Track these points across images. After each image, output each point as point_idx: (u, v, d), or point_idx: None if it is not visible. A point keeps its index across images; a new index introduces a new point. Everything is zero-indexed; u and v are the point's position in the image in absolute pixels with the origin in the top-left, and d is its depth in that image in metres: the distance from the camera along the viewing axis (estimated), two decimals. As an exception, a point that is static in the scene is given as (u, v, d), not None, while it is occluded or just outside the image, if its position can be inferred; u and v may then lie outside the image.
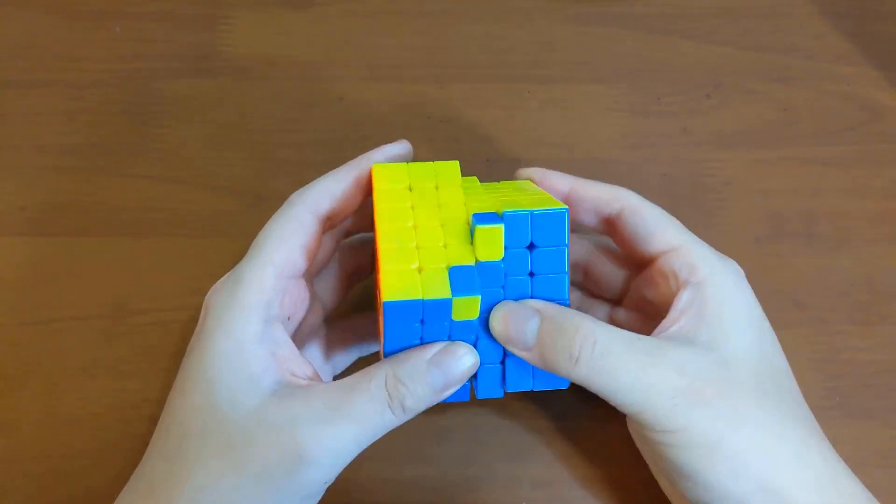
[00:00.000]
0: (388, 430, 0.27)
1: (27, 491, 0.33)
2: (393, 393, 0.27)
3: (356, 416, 0.26)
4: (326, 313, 0.34)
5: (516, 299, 0.28)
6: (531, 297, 0.28)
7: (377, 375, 0.27)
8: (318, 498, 0.29)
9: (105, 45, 0.46)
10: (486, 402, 0.35)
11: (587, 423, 0.34)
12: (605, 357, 0.26)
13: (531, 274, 0.28)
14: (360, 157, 0.30)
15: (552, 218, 0.27)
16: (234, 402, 0.26)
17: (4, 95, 0.44)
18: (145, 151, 0.42)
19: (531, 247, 0.28)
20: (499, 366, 0.29)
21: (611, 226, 0.31)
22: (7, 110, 0.44)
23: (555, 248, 0.28)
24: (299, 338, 0.32)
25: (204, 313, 0.29)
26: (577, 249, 0.34)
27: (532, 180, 0.32)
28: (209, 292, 0.29)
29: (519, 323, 0.27)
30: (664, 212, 0.31)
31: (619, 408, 0.27)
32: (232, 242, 0.39)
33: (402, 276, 0.26)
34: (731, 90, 0.45)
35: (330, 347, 0.34)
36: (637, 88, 0.45)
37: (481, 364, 0.29)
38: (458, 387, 0.28)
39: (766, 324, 0.30)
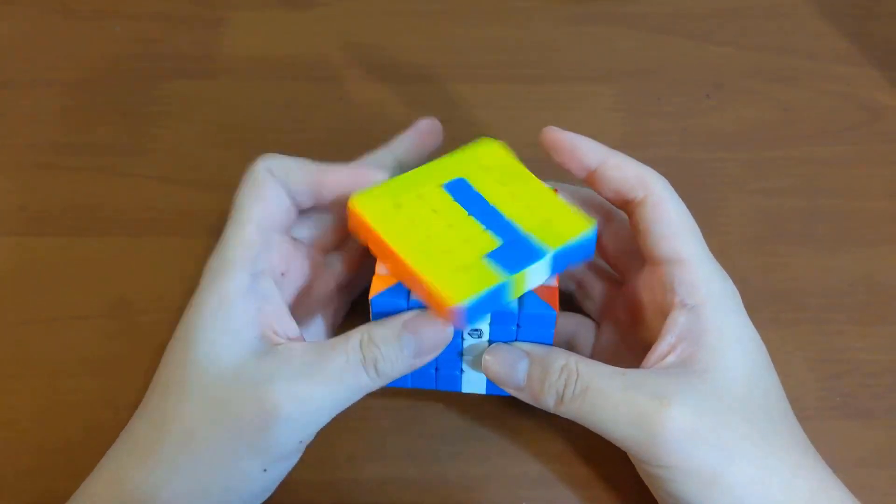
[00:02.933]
0: (364, 392, 0.28)
1: (27, 487, 0.33)
2: (367, 354, 0.27)
3: (331, 374, 0.27)
4: (341, 284, 0.34)
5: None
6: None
7: (353, 336, 0.27)
8: (296, 459, 0.29)
9: (105, 45, 0.46)
10: (485, 402, 0.35)
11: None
12: (587, 394, 0.27)
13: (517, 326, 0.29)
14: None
15: (540, 318, 0.28)
16: (214, 356, 0.27)
17: (4, 95, 0.44)
18: (145, 151, 0.42)
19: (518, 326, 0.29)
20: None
21: (629, 208, 0.31)
22: (7, 110, 0.44)
23: (541, 333, 0.29)
24: (307, 305, 0.32)
25: (200, 284, 0.29)
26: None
27: (556, 147, 0.31)
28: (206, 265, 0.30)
29: (510, 365, 0.28)
30: (684, 211, 0.30)
31: (614, 443, 0.28)
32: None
33: (453, 277, 0.26)
34: (731, 90, 0.45)
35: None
36: (637, 88, 0.45)
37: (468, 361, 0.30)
38: (429, 356, 0.28)
39: (761, 345, 0.30)
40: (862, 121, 0.44)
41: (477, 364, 0.30)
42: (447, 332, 0.28)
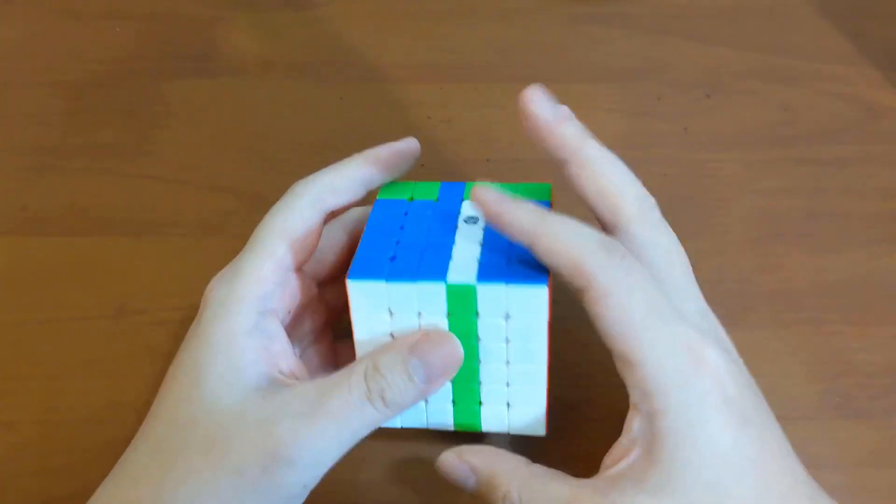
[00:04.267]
0: (372, 427, 0.26)
1: (27, 489, 0.33)
2: (372, 385, 0.26)
3: (335, 412, 0.25)
4: (335, 315, 0.34)
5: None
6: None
7: (357, 368, 0.26)
8: (300, 502, 0.28)
9: (105, 45, 0.46)
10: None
11: (586, 422, 0.34)
12: None
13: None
14: (367, 151, 0.30)
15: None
16: (218, 395, 0.26)
17: (5, 95, 0.44)
18: (145, 152, 0.42)
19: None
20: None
21: (577, 294, 0.26)
22: (7, 110, 0.44)
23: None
24: (302, 337, 0.32)
25: (203, 305, 0.29)
26: None
27: (484, 215, 0.27)
28: (210, 283, 0.29)
29: (462, 479, 0.27)
30: (635, 297, 0.25)
31: None
32: (232, 242, 0.39)
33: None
34: (730, 90, 0.45)
35: (336, 363, 0.33)
36: (637, 88, 0.45)
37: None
38: (441, 381, 0.27)
39: (737, 451, 0.24)
40: (862, 121, 0.44)
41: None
42: (458, 354, 0.27)
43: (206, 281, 0.38)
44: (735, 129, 0.43)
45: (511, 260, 0.27)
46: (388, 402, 0.26)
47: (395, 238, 0.28)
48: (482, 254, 0.27)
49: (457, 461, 0.27)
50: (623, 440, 0.25)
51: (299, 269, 0.30)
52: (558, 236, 0.25)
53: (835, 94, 0.45)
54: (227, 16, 0.47)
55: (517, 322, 0.27)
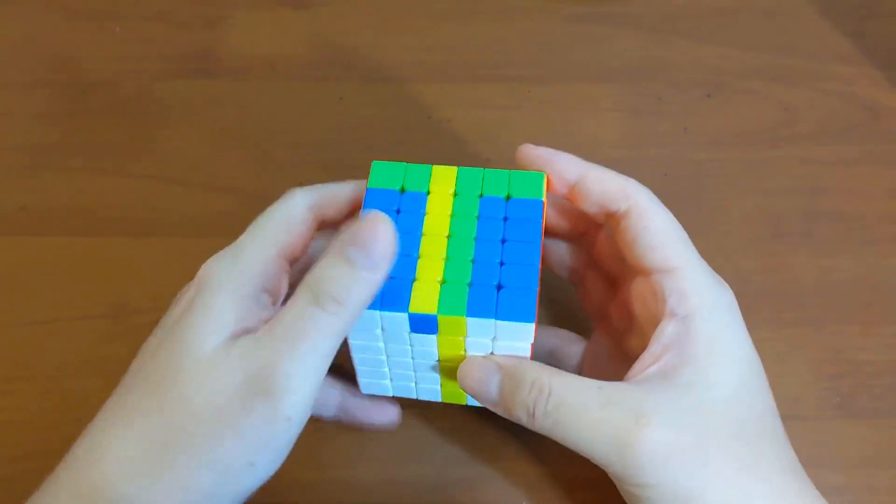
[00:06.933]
0: (336, 336, 0.26)
1: (26, 488, 0.33)
2: (316, 288, 0.25)
3: (290, 330, 0.25)
4: None
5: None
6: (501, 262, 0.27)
7: (302, 284, 0.26)
8: (289, 436, 0.27)
9: (105, 45, 0.46)
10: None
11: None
12: (559, 411, 0.26)
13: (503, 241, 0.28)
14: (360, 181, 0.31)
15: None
16: (199, 344, 0.26)
17: (5, 95, 0.44)
18: (145, 151, 0.42)
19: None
20: None
21: (614, 221, 0.30)
22: (7, 110, 0.44)
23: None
24: None
25: (200, 279, 0.28)
26: (573, 262, 0.34)
27: (534, 165, 0.30)
28: (206, 264, 0.29)
29: (484, 380, 0.28)
30: (671, 220, 0.29)
31: (590, 460, 0.27)
32: (232, 242, 0.39)
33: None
34: (731, 90, 0.45)
35: None
36: (637, 88, 0.45)
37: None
38: (384, 264, 0.25)
39: (756, 360, 0.28)
40: (862, 121, 0.44)
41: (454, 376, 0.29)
42: (393, 234, 0.25)
43: (206, 281, 0.38)
44: (735, 129, 0.43)
45: (500, 286, 0.27)
46: (337, 297, 0.25)
47: None
48: (473, 274, 0.27)
49: (482, 360, 0.28)
50: (653, 347, 0.27)
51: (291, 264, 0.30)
52: (604, 171, 0.30)
53: (835, 93, 0.45)
54: (226, 16, 0.47)
55: (504, 341, 0.28)
